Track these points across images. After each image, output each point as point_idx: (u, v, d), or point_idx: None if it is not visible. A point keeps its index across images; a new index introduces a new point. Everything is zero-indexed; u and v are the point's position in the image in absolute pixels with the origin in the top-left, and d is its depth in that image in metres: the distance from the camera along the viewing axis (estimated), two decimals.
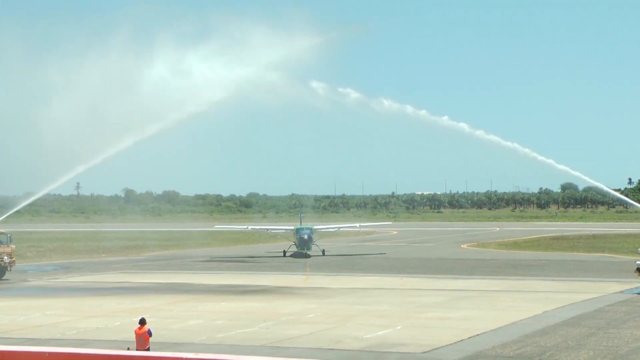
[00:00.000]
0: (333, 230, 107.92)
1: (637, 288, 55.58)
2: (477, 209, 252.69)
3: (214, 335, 38.15)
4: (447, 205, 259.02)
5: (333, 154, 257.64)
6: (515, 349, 34.19)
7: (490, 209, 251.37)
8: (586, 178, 78.04)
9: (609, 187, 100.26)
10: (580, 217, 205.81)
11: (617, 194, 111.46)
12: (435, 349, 34.42)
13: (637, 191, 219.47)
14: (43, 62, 77.31)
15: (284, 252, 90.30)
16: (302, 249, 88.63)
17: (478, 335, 37.69)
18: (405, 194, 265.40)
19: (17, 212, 74.80)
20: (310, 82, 73.12)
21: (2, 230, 67.56)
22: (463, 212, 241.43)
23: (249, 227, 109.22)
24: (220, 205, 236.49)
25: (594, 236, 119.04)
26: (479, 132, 71.99)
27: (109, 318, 43.78)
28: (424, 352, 33.63)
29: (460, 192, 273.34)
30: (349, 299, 51.87)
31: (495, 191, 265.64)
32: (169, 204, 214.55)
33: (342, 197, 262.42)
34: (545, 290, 55.21)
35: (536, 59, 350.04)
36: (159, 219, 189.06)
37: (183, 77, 73.13)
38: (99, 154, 71.48)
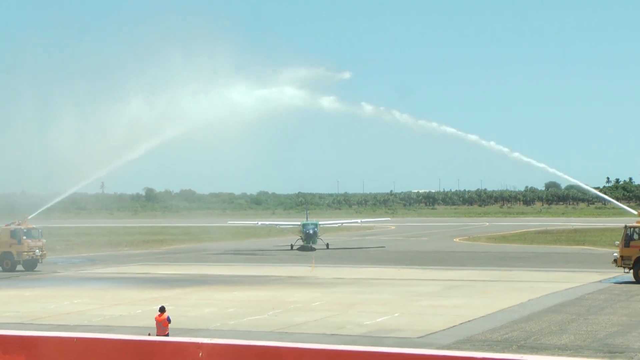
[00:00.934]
0: (336, 225, 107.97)
1: (614, 277, 55.61)
2: (468, 205, 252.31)
3: (227, 322, 38.24)
4: (441, 202, 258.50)
5: (336, 156, 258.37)
6: (503, 334, 34.24)
7: (480, 205, 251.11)
8: (568, 177, 78.37)
9: (588, 186, 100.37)
10: (563, 213, 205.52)
11: (596, 192, 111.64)
12: (430, 334, 34.48)
13: (615, 189, 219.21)
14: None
15: (291, 245, 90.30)
16: (308, 243, 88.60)
17: (469, 321, 37.74)
18: (402, 192, 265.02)
19: (48, 209, 74.88)
20: (321, 99, 74.80)
21: (34, 226, 67.79)
22: (455, 209, 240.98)
23: (259, 223, 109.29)
24: (233, 202, 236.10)
25: (575, 230, 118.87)
26: (473, 137, 72.41)
27: (132, 306, 43.90)
28: (419, 337, 33.68)
29: (453, 190, 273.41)
30: (351, 288, 51.92)
31: (485, 189, 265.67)
32: (186, 201, 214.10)
33: (345, 195, 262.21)
34: (531, 280, 55.23)
35: (519, 62, 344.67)
36: (177, 216, 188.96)
37: (211, 97, 74.70)
38: (123, 157, 72.25)
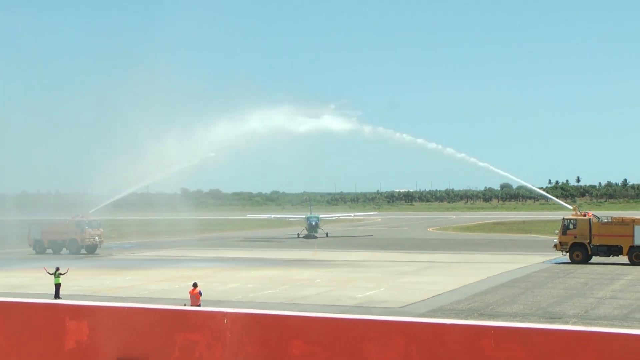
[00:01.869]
0: (334, 218, 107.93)
1: (554, 259, 55.59)
2: (439, 202, 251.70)
3: (247, 295, 38.21)
4: (417, 199, 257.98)
5: (334, 163, 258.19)
6: (467, 305, 34.19)
7: (449, 202, 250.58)
8: (518, 179, 78.52)
9: (534, 186, 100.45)
10: (514, 208, 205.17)
11: (541, 191, 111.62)
12: (409, 304, 34.45)
13: (555, 189, 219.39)
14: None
15: (298, 234, 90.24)
16: (311, 232, 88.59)
17: (440, 294, 37.71)
18: (386, 191, 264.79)
19: (105, 206, 75.01)
20: (332, 126, 78.13)
21: (94, 218, 68.02)
22: (429, 205, 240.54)
23: (272, 216, 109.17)
24: (251, 200, 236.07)
25: (524, 222, 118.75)
26: (433, 146, 73.65)
27: (171, 282, 43.88)
28: (401, 307, 33.65)
29: (427, 189, 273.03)
30: (346, 268, 51.89)
31: (453, 189, 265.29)
32: (214, 199, 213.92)
33: (340, 193, 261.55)
34: (489, 262, 55.17)
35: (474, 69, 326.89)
36: (206, 210, 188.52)
37: (239, 126, 79.35)
38: (170, 168, 75.33)
